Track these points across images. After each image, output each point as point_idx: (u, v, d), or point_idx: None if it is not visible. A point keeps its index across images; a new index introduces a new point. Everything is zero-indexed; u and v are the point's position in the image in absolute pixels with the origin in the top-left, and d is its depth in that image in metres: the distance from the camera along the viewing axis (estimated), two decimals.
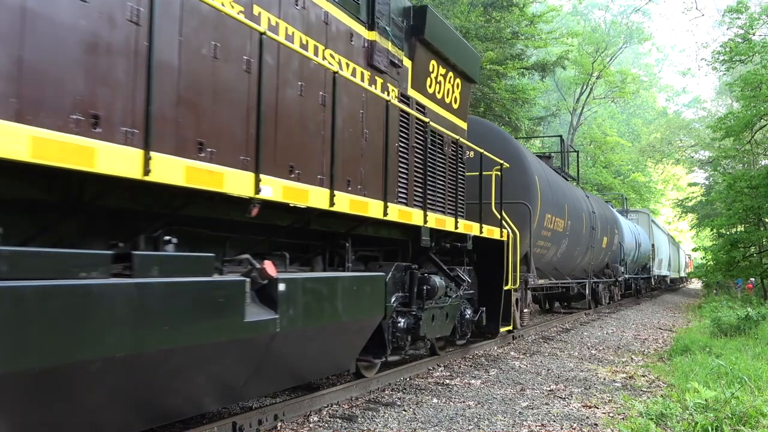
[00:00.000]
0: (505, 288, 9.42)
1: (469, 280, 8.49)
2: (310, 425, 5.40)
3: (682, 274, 51.79)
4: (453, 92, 8.42)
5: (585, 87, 39.93)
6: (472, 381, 7.61)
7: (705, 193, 45.52)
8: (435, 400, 6.50)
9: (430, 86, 7.73)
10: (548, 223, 12.77)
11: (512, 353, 10.11)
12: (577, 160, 22.48)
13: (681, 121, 52.19)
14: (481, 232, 8.61)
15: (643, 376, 8.43)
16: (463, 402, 6.47)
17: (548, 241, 13.19)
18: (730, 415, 5.42)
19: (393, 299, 6.48)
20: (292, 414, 5.54)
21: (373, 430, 5.32)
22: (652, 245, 31.61)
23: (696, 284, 59.09)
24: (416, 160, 7.10)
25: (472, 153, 9.36)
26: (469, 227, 8.24)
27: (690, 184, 53.47)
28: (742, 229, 27.84)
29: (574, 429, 5.57)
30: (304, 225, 5.35)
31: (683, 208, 50.04)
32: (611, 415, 6.11)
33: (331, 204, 5.09)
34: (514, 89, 21.55)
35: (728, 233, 29.64)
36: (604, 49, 39.78)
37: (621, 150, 45.74)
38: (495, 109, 19.86)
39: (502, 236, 9.44)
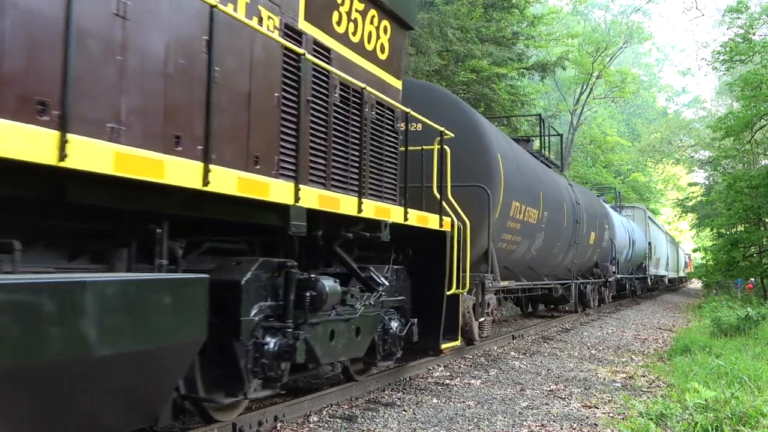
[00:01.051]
0: (449, 293, 7.23)
1: (386, 284, 6.24)
2: (310, 425, 5.40)
3: (682, 274, 51.16)
4: (377, 38, 6.49)
5: (585, 87, 39.93)
6: (472, 381, 7.61)
7: (705, 193, 45.54)
8: (435, 400, 6.50)
9: (338, 23, 5.80)
10: (516, 212, 10.66)
11: (512, 353, 10.11)
12: (560, 145, 20.45)
13: (681, 121, 52.20)
14: (405, 219, 6.38)
15: (643, 376, 8.44)
16: (463, 402, 6.47)
17: (518, 234, 11.03)
18: (730, 415, 5.42)
19: (255, 311, 4.56)
20: (292, 414, 5.55)
21: (373, 430, 5.32)
22: (649, 243, 29.69)
23: (696, 284, 59.12)
24: (316, 120, 5.25)
25: (419, 126, 7.91)
26: (384, 212, 6.04)
27: (690, 184, 53.48)
28: (742, 229, 27.84)
29: (574, 429, 5.57)
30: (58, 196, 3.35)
31: (683, 208, 50.04)
32: (611, 415, 6.11)
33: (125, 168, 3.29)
34: (515, 91, 21.54)
35: (728, 233, 29.66)
36: (604, 49, 39.76)
37: (621, 150, 45.76)
38: (495, 109, 19.84)
39: (442, 226, 7.17)
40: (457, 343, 7.74)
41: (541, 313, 18.35)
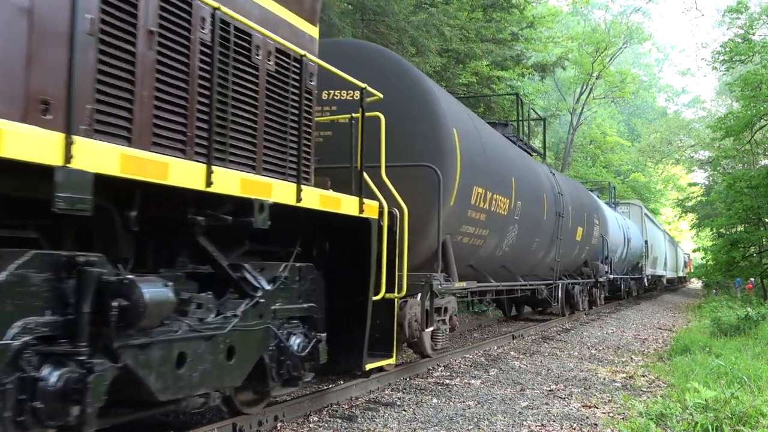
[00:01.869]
0: (376, 298, 5.92)
1: (267, 287, 4.72)
2: (310, 425, 5.40)
3: (681, 274, 50.52)
4: None
5: (585, 87, 39.96)
6: (472, 381, 7.61)
7: (705, 193, 45.56)
8: (435, 400, 6.50)
9: None
10: (480, 200, 8.80)
11: (512, 353, 10.11)
12: (543, 130, 17.73)
13: (681, 121, 52.24)
14: (298, 200, 4.83)
15: (643, 376, 8.44)
16: (463, 402, 6.47)
17: (483, 227, 9.23)
18: (730, 415, 5.42)
19: (16, 331, 3.01)
20: (292, 414, 5.55)
21: (373, 430, 5.32)
22: (646, 242, 28.20)
23: (696, 284, 59.14)
24: (165, 61, 3.81)
25: (356, 93, 6.51)
26: (259, 188, 4.43)
27: (690, 184, 53.51)
28: (742, 229, 27.86)
29: (574, 429, 5.57)
30: None
31: (683, 208, 50.07)
32: (611, 415, 6.11)
33: None
34: (515, 91, 21.51)
35: (728, 233, 29.68)
36: (604, 49, 39.78)
37: (621, 150, 45.79)
38: (494, 109, 19.83)
39: (363, 212, 5.74)
40: (391, 361, 6.39)
41: (527, 316, 17.00)
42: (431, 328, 7.62)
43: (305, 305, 5.21)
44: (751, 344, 10.64)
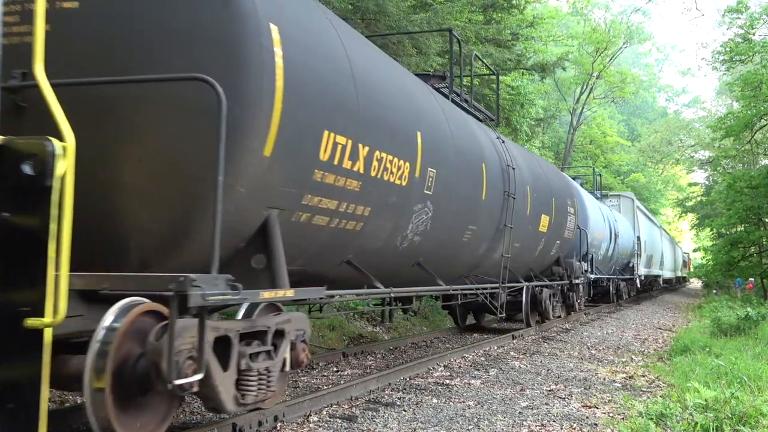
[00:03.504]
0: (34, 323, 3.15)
1: None
2: (310, 425, 5.41)
3: (680, 274, 49.17)
4: None
5: (585, 87, 39.99)
6: (472, 381, 7.61)
7: (705, 193, 45.60)
8: (435, 400, 6.50)
9: None
10: (340, 156, 5.33)
11: (512, 353, 10.11)
12: (497, 86, 14.24)
13: (681, 121, 52.29)
14: None
15: (643, 376, 8.44)
16: (463, 402, 6.47)
17: (356, 201, 5.74)
18: (730, 415, 5.43)
19: None
20: (292, 414, 5.55)
21: (373, 430, 5.32)
22: (638, 238, 25.51)
23: (696, 284, 59.17)
24: None
25: None
26: None
27: (690, 184, 53.54)
28: (742, 229, 27.89)
29: (574, 429, 5.57)
30: None
31: (683, 208, 50.09)
32: (611, 415, 6.12)
33: None
34: (514, 91, 21.55)
35: (728, 233, 29.71)
36: (604, 49, 39.82)
37: (621, 150, 45.82)
38: (494, 109, 19.83)
39: None
40: None
41: (489, 324, 14.55)
42: (195, 377, 3.77)
43: None
44: (751, 344, 10.65)
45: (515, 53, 20.61)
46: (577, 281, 15.09)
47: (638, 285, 27.02)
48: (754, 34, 25.58)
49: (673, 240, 46.81)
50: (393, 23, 13.44)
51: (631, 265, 24.84)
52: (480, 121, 10.58)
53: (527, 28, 22.30)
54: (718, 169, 39.31)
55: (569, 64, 30.61)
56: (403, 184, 6.52)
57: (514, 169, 10.16)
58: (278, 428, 5.28)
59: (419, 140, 6.90)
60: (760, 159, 34.11)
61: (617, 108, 50.36)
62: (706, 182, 48.32)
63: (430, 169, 7.11)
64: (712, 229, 38.07)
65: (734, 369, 7.59)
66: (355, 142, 5.56)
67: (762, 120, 24.78)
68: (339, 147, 5.31)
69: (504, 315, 11.17)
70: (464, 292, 9.86)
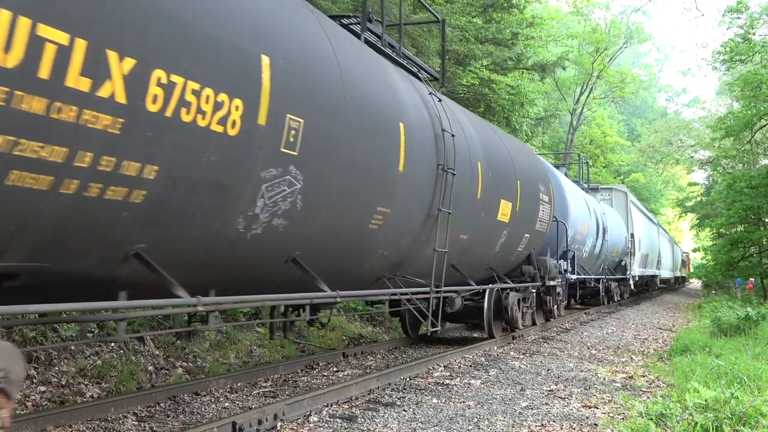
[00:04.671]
0: None
1: None
2: (310, 425, 5.40)
3: (679, 274, 48.42)
4: None
5: (585, 87, 39.99)
6: (472, 381, 7.61)
7: (705, 193, 45.61)
8: (435, 400, 6.50)
9: None
10: (49, 63, 3.06)
11: (512, 353, 10.11)
12: (443, 35, 10.05)
13: (681, 121, 52.31)
14: None
15: (643, 376, 8.44)
16: (463, 402, 6.47)
17: (122, 154, 3.59)
18: (730, 415, 5.42)
19: None
20: (292, 414, 5.55)
21: (373, 430, 5.32)
22: (632, 235, 23.72)
23: (696, 284, 59.18)
24: None
25: None
26: None
27: (690, 184, 53.56)
28: (742, 229, 27.90)
29: (574, 429, 5.57)
30: None
31: (683, 208, 50.09)
32: (611, 415, 6.11)
33: None
34: (514, 91, 21.53)
35: (728, 233, 29.71)
36: (604, 49, 39.82)
37: (621, 150, 45.81)
38: (495, 109, 19.84)
39: None
40: None
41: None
42: None
43: None
44: (751, 344, 10.65)
45: (515, 53, 20.60)
46: (552, 283, 12.88)
47: (632, 286, 25.12)
48: (754, 34, 25.58)
49: (672, 239, 46.47)
50: (394, 24, 13.42)
51: (623, 264, 23.10)
52: (416, 77, 8.21)
53: (527, 28, 22.28)
54: (718, 169, 39.34)
55: (569, 64, 30.63)
56: (232, 133, 4.31)
57: (453, 136, 7.79)
58: (278, 428, 5.28)
59: (265, 68, 4.57)
60: (760, 159, 34.12)
61: (617, 108, 50.34)
62: (706, 182, 48.34)
63: (291, 117, 4.82)
64: (712, 229, 38.08)
65: (734, 369, 7.59)
66: (97, 46, 3.33)
67: (762, 120, 24.78)
68: (49, 48, 3.10)
69: (438, 328, 8.73)
70: (370, 298, 7.63)
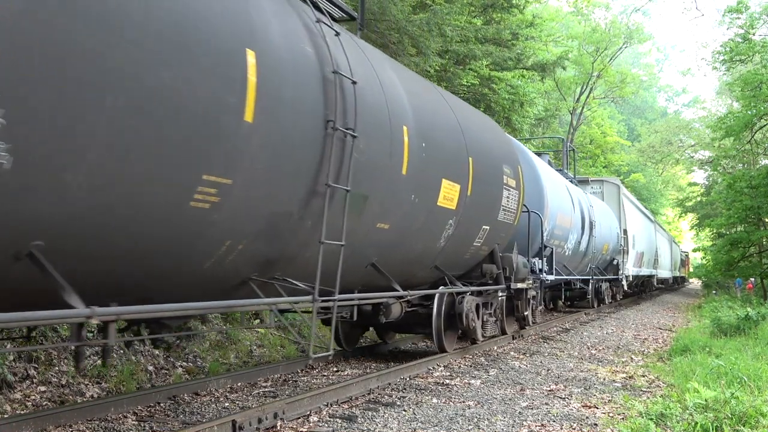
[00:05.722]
0: None
1: None
2: (310, 425, 5.40)
3: (678, 274, 47.90)
4: None
5: (585, 87, 40.00)
6: (472, 381, 7.61)
7: (705, 193, 45.60)
8: (435, 400, 6.50)
9: None
10: None
11: (512, 353, 10.11)
12: None
13: (681, 121, 52.31)
14: None
15: (643, 376, 8.44)
16: (463, 402, 6.47)
17: None
18: (730, 415, 5.42)
19: None
20: (292, 413, 5.55)
21: (373, 430, 5.32)
22: (624, 231, 21.84)
23: (695, 284, 59.18)
24: None
25: None
26: None
27: (690, 184, 53.56)
28: (742, 229, 27.90)
29: (574, 429, 5.57)
30: None
31: (683, 208, 50.08)
32: (611, 415, 6.11)
33: None
34: (514, 91, 21.54)
35: (728, 233, 29.70)
36: (605, 49, 39.84)
37: (621, 150, 45.81)
38: (495, 109, 19.85)
39: None
40: None
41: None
42: None
43: None
44: (751, 344, 10.65)
45: (515, 53, 20.61)
46: (521, 285, 10.65)
47: (625, 287, 23.27)
48: (754, 34, 25.58)
49: (671, 237, 46.12)
50: (393, 23, 13.45)
51: (615, 263, 21.03)
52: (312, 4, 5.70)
53: (527, 28, 22.30)
54: (718, 169, 39.32)
55: (569, 64, 30.63)
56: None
57: (355, 83, 5.65)
58: (278, 427, 5.28)
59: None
60: (760, 159, 34.11)
61: (617, 108, 50.36)
62: (706, 182, 48.32)
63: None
64: (711, 229, 38.09)
65: (734, 369, 7.59)
66: None
67: (762, 120, 24.77)
68: None
69: (334, 351, 6.66)
70: (194, 312, 5.00)
